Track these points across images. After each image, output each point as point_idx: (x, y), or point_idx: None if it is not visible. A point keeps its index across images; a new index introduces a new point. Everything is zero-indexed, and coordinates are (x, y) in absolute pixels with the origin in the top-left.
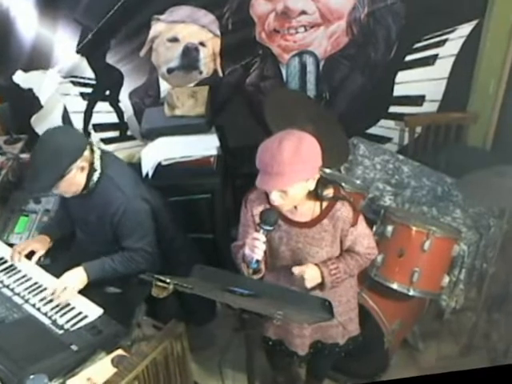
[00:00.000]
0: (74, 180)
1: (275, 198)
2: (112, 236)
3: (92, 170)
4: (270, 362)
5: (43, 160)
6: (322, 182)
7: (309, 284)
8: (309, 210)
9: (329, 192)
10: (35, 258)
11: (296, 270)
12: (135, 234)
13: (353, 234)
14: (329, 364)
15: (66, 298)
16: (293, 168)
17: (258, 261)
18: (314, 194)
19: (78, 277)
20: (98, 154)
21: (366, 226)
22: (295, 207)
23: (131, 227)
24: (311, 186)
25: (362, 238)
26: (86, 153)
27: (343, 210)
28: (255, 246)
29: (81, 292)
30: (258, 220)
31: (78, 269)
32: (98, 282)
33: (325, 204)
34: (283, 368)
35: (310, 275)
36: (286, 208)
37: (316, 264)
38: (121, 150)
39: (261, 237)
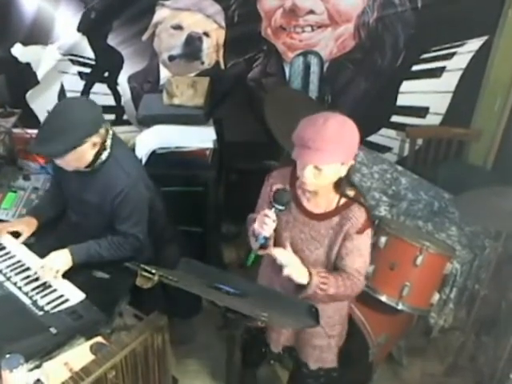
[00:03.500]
0: (84, 154)
1: (308, 174)
2: (107, 219)
3: (102, 148)
4: (244, 357)
5: (60, 126)
6: (349, 180)
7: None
8: (325, 202)
9: (351, 192)
10: (21, 239)
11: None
12: (131, 219)
13: (353, 242)
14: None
15: (50, 278)
16: (334, 146)
17: (265, 237)
18: (337, 188)
19: (63, 259)
20: (110, 134)
21: (368, 245)
22: (315, 194)
23: (129, 211)
24: (343, 172)
25: (358, 254)
26: (102, 130)
27: (357, 213)
28: (264, 223)
29: (67, 273)
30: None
31: (64, 251)
32: (86, 265)
33: (342, 201)
34: (253, 363)
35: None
36: (312, 188)
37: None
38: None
39: (271, 214)
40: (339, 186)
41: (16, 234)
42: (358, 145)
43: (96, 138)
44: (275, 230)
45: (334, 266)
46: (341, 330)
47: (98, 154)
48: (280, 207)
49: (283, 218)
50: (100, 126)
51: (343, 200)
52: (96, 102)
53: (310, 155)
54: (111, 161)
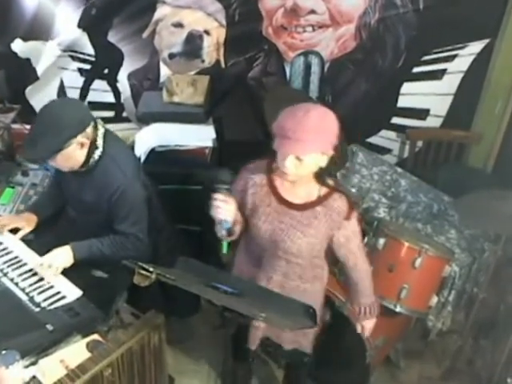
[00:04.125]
0: (72, 155)
1: (289, 164)
2: (106, 217)
3: (94, 147)
4: (233, 351)
5: (43, 129)
6: (329, 171)
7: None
8: (305, 193)
9: (330, 182)
10: (19, 235)
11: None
12: (130, 219)
13: (347, 228)
14: (302, 373)
15: (50, 274)
16: (315, 136)
17: (227, 221)
18: (317, 178)
19: (64, 256)
20: (101, 132)
21: (358, 227)
22: (293, 184)
23: (127, 210)
24: (323, 162)
25: (355, 236)
26: (89, 129)
27: (339, 202)
28: (217, 206)
29: (65, 270)
30: (251, 188)
31: (66, 247)
32: (86, 263)
33: (323, 191)
34: (243, 361)
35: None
36: (292, 178)
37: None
38: (115, 132)
39: (220, 196)
40: (320, 176)
41: (15, 230)
42: (358, 146)
43: (82, 138)
44: (253, 224)
45: (333, 254)
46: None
47: (89, 154)
48: (224, 186)
49: (262, 211)
50: (85, 125)
51: (324, 190)
52: (81, 101)
53: (290, 145)
54: (106, 159)
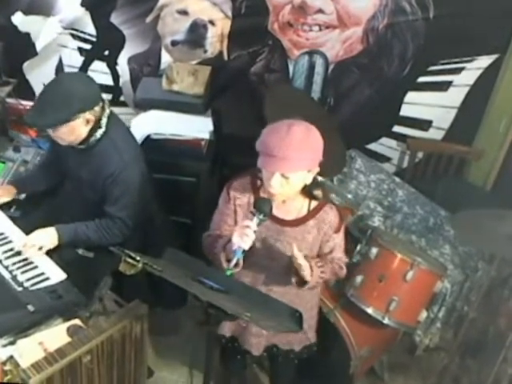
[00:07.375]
0: (76, 129)
1: (275, 184)
2: (99, 198)
3: (97, 126)
4: (224, 363)
5: (55, 98)
6: (315, 182)
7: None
8: (296, 208)
9: (319, 192)
10: None
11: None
12: (120, 202)
13: (334, 240)
14: (290, 372)
15: (33, 254)
16: (300, 154)
17: (244, 251)
18: (305, 192)
19: (49, 237)
20: (107, 112)
21: (343, 236)
22: (283, 201)
23: (119, 194)
24: (309, 179)
25: (340, 249)
26: (97, 108)
27: (331, 214)
28: (245, 234)
29: (51, 250)
30: (241, 209)
31: (51, 229)
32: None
33: (313, 205)
34: (236, 371)
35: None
36: (280, 198)
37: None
38: None
39: (253, 225)
40: (307, 191)
41: None
42: (357, 151)
43: (89, 115)
44: None
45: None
46: (317, 310)
47: (92, 132)
48: (263, 217)
49: (256, 232)
50: (95, 103)
51: (314, 203)
52: (93, 80)
53: (276, 163)
54: (107, 141)
